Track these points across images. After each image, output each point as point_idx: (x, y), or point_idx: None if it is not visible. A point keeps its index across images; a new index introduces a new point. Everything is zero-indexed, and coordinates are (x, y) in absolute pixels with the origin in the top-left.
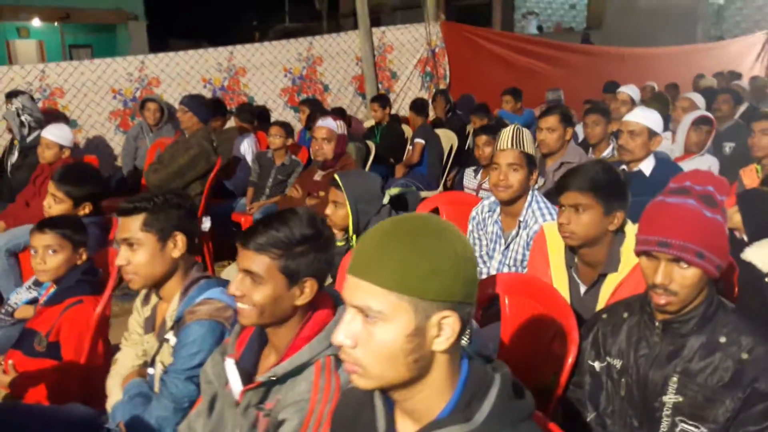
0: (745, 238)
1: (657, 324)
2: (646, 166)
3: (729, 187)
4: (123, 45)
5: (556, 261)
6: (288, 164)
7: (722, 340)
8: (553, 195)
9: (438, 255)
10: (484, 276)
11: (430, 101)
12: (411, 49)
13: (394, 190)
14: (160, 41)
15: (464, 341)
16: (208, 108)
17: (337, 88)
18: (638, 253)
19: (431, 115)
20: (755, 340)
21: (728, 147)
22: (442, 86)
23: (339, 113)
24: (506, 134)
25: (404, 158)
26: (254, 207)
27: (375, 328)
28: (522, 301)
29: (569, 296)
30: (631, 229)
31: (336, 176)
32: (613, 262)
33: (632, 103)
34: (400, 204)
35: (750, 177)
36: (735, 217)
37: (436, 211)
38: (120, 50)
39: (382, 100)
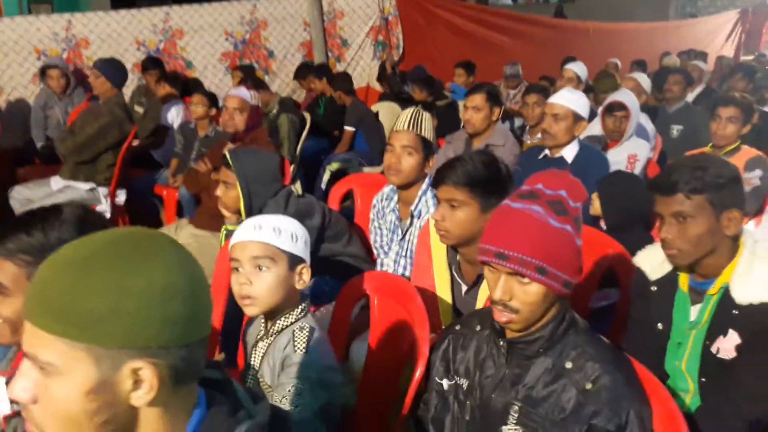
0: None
1: (502, 343)
2: (569, 153)
3: (585, 192)
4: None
5: (438, 258)
6: (212, 136)
7: (568, 365)
8: None
9: (120, 291)
10: (384, 269)
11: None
12: (363, 15)
13: (334, 165)
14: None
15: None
16: (124, 73)
17: (284, 55)
18: (481, 263)
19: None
20: (602, 368)
21: (676, 130)
22: (395, 56)
23: (323, 71)
24: (405, 115)
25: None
26: (178, 180)
27: (50, 382)
28: (390, 303)
29: (452, 296)
30: None
31: (226, 154)
32: None
33: (578, 82)
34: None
35: None
36: (596, 203)
37: (350, 193)
38: (81, 7)
39: (320, 70)
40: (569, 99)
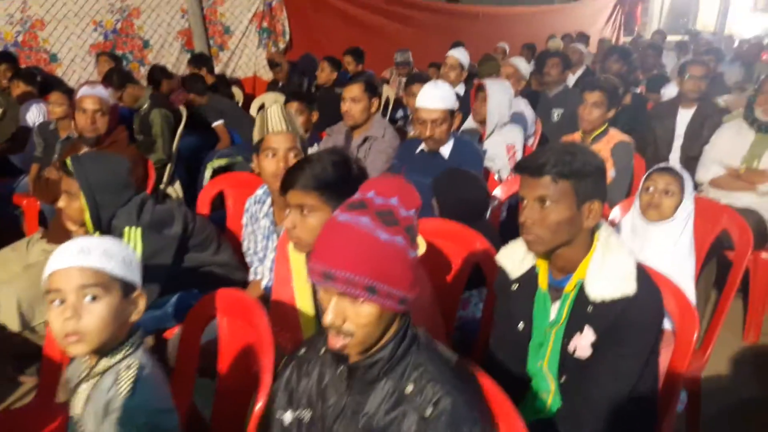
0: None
1: (341, 368)
2: (446, 148)
3: (418, 199)
4: None
5: (298, 267)
6: (76, 137)
7: (409, 389)
8: None
9: None
10: (258, 278)
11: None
12: (245, 1)
13: (217, 162)
14: None
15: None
16: None
17: (160, 44)
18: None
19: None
20: (442, 389)
21: (557, 113)
22: (281, 44)
23: (203, 61)
24: (276, 114)
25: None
26: None
27: None
28: (239, 325)
29: (315, 308)
30: None
31: (67, 161)
32: None
33: (461, 69)
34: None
35: None
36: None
37: (221, 194)
38: None
39: (198, 60)
40: (441, 98)
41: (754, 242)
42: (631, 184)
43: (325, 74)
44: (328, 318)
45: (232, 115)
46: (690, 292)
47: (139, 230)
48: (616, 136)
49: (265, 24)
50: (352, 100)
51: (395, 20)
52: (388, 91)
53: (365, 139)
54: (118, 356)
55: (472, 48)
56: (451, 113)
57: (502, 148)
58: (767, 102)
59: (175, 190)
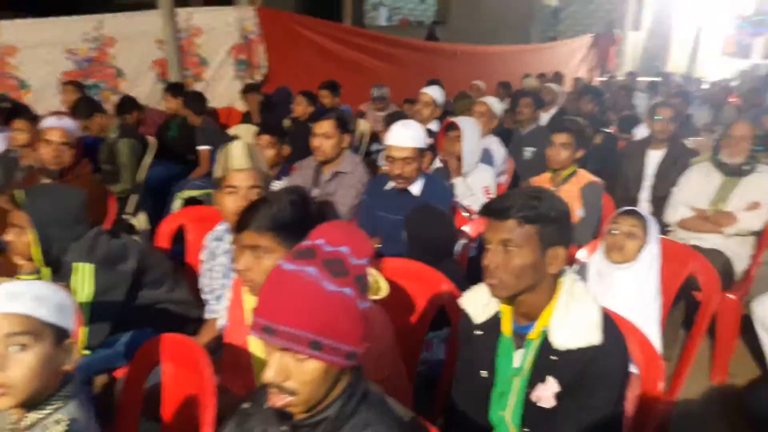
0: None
1: (284, 428)
2: (416, 185)
3: (370, 247)
4: None
5: (252, 309)
6: (37, 167)
7: None
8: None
9: None
10: (213, 317)
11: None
12: (223, 33)
13: (187, 193)
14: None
15: None
16: None
17: (135, 74)
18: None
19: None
20: None
21: (529, 152)
22: (257, 76)
23: (178, 90)
24: (239, 150)
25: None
26: None
27: None
28: (184, 373)
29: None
30: None
31: (18, 192)
32: None
33: (435, 106)
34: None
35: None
36: None
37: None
38: None
39: (175, 88)
40: (412, 137)
41: (721, 284)
42: (600, 224)
43: (301, 108)
44: (268, 375)
45: (221, 142)
46: (655, 337)
47: (90, 266)
48: (585, 176)
49: (242, 56)
50: (324, 135)
51: (373, 56)
52: (365, 126)
53: (335, 174)
54: (48, 410)
55: (449, 85)
56: (421, 152)
57: (478, 188)
58: (732, 145)
59: (140, 221)
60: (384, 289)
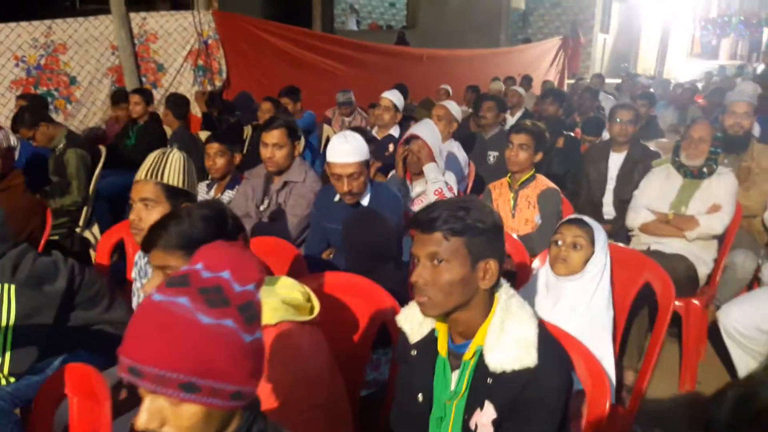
0: None
1: None
2: (364, 198)
3: (257, 271)
4: None
5: None
6: None
7: None
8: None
9: None
10: None
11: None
12: (179, 38)
13: None
14: None
15: None
16: None
17: (89, 81)
18: None
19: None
20: None
21: (492, 156)
22: (217, 82)
23: (148, 95)
24: (147, 161)
25: None
26: None
27: None
28: (90, 406)
29: None
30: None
31: None
32: None
33: (395, 110)
34: None
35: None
36: None
37: (121, 242)
38: None
39: (145, 93)
40: (354, 151)
41: (686, 289)
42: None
43: (264, 115)
44: (140, 421)
45: (195, 152)
46: (607, 351)
47: (12, 287)
48: (543, 182)
49: (200, 62)
50: (275, 145)
51: (338, 60)
52: (329, 132)
53: (285, 184)
54: None
55: (417, 90)
56: (366, 164)
57: (430, 191)
58: (692, 147)
59: (93, 233)
60: (317, 309)
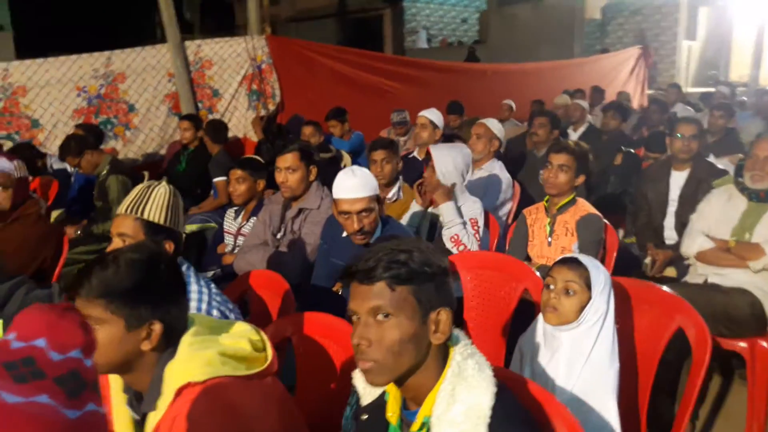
0: None
1: None
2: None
3: (87, 332)
4: None
5: (115, 385)
6: None
7: None
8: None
9: None
10: None
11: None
12: (234, 64)
13: (189, 228)
14: (32, 53)
15: None
16: None
17: (147, 108)
18: None
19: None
20: None
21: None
22: (270, 106)
23: (197, 120)
24: (130, 195)
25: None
26: None
27: None
28: None
29: None
30: (188, 341)
31: None
32: (153, 396)
33: (433, 128)
34: (198, 241)
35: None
36: None
37: None
38: None
39: (194, 119)
40: (362, 185)
41: (750, 328)
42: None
43: (306, 139)
44: None
45: None
46: (611, 413)
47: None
48: (584, 207)
49: (254, 86)
50: (288, 169)
51: (394, 79)
52: None
53: (300, 211)
54: None
55: (481, 106)
56: (377, 199)
57: (467, 221)
58: (758, 167)
59: None
60: (269, 359)
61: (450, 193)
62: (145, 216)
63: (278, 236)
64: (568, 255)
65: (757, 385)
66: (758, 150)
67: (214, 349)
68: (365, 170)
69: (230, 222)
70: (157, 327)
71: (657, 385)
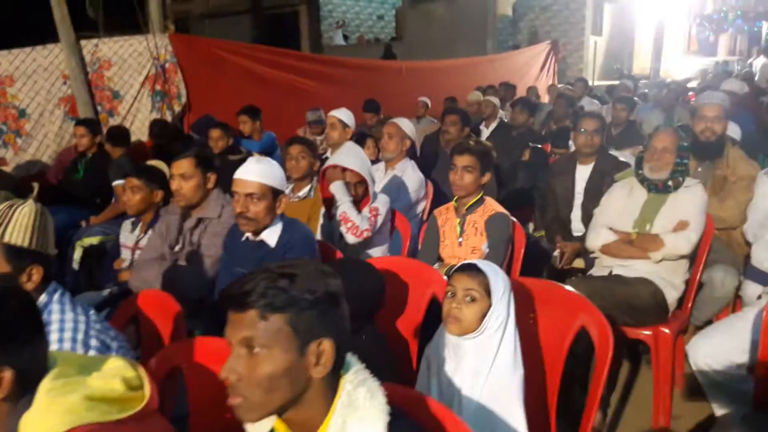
0: None
1: None
2: (272, 234)
3: None
4: None
5: None
6: None
7: None
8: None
9: None
10: None
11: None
12: (135, 64)
13: (88, 240)
14: None
15: None
16: None
17: (39, 113)
18: None
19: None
20: None
21: None
22: (176, 107)
23: (94, 125)
24: None
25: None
26: None
27: None
28: None
29: None
30: (47, 386)
31: None
32: None
33: (343, 126)
34: (98, 255)
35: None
36: None
37: None
38: None
39: (90, 124)
40: (261, 172)
41: (653, 316)
42: (511, 260)
43: (213, 142)
44: None
45: None
46: (518, 419)
47: None
48: (491, 206)
49: (158, 87)
50: (182, 177)
51: (308, 77)
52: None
53: (199, 221)
54: None
55: (396, 104)
56: (275, 192)
57: (367, 209)
58: (656, 158)
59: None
60: (147, 397)
61: (341, 175)
62: (6, 239)
63: (176, 249)
64: (467, 261)
65: (661, 371)
66: (656, 142)
67: (78, 393)
68: (275, 164)
69: (127, 234)
70: (7, 374)
71: (567, 378)
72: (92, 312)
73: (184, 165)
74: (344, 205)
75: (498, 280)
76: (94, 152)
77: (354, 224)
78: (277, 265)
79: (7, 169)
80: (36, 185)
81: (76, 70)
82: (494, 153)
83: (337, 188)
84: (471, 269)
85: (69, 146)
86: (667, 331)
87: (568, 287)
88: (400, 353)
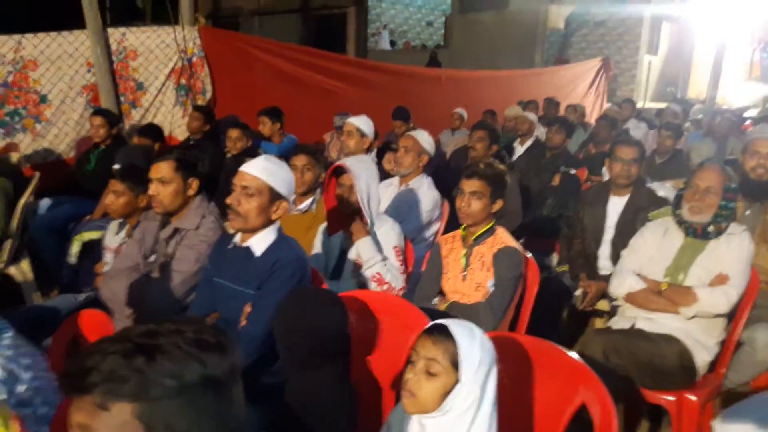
0: None
1: None
2: (260, 243)
3: None
4: None
5: None
6: None
7: None
8: None
9: None
10: None
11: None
12: (161, 56)
13: (87, 235)
14: None
15: None
16: None
17: (61, 99)
18: None
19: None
20: None
21: None
22: (200, 102)
23: (114, 118)
24: None
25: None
26: None
27: None
28: None
29: None
30: None
31: None
32: None
33: (360, 135)
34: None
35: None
36: None
37: None
38: None
39: (108, 114)
40: (266, 170)
41: (678, 380)
42: (520, 301)
43: (231, 143)
44: None
45: None
46: None
47: None
48: (502, 238)
49: (183, 81)
50: (160, 181)
51: (341, 80)
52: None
53: (175, 231)
54: None
55: (433, 114)
56: (273, 194)
57: (390, 251)
58: (696, 198)
59: (22, 269)
60: None
61: (366, 227)
62: None
63: (150, 259)
64: (439, 321)
65: None
66: (698, 179)
67: None
68: (287, 167)
69: (111, 236)
70: None
71: None
72: (8, 335)
73: (162, 168)
74: (377, 266)
75: (473, 350)
76: (108, 144)
77: (390, 286)
78: (141, 332)
79: (19, 154)
80: (37, 174)
81: (101, 58)
82: (516, 175)
83: (365, 247)
84: (440, 333)
85: (88, 135)
86: (693, 398)
87: (572, 354)
88: (371, 404)
